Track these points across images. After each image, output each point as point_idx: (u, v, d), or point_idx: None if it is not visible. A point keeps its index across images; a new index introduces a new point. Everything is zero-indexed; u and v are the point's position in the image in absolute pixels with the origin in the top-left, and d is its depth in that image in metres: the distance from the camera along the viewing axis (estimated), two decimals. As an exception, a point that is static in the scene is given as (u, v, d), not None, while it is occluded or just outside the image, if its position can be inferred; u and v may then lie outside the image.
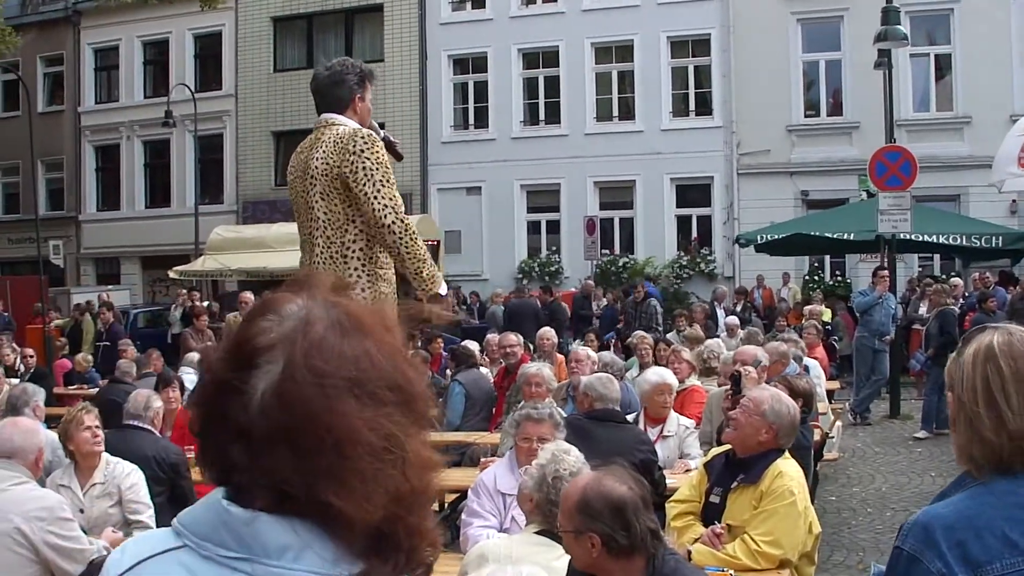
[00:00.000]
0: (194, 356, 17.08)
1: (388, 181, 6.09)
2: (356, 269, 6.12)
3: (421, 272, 6.11)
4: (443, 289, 6.27)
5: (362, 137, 6.10)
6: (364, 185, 6.02)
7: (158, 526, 7.98)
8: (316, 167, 6.16)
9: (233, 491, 1.64)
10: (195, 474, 9.74)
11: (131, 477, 7.88)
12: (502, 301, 28.22)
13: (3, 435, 6.78)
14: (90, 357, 21.96)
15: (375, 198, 6.01)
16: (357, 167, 6.03)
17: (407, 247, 6.05)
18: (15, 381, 17.90)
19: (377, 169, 6.06)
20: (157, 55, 43.06)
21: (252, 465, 1.59)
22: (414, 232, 6.12)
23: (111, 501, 7.73)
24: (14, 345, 20.70)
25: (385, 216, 6.01)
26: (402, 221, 6.05)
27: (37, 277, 29.47)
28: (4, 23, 32.15)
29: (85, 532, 6.61)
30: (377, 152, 6.10)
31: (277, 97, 38.41)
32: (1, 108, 45.00)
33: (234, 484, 1.64)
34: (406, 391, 1.65)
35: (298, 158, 6.42)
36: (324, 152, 6.15)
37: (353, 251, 6.14)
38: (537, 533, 5.28)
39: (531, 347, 16.15)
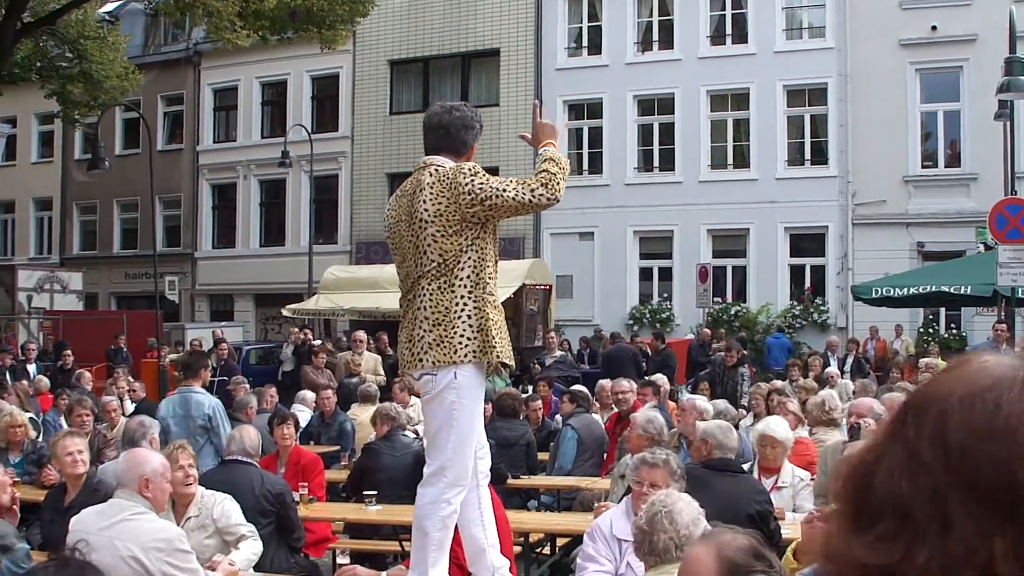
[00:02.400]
0: (308, 395, 17.18)
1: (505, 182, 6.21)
2: (462, 297, 6.15)
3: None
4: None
5: (468, 168, 6.20)
6: (491, 198, 6.09)
7: (266, 555, 8.09)
8: (427, 210, 6.18)
9: None
10: (301, 508, 9.82)
11: (222, 505, 8.00)
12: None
13: (121, 466, 6.86)
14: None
15: (505, 194, 6.11)
16: (475, 190, 6.09)
17: (557, 186, 6.20)
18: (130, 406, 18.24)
19: (488, 181, 6.14)
20: (275, 96, 43.72)
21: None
22: (552, 179, 6.20)
23: (206, 533, 7.85)
24: (129, 379, 20.98)
25: (524, 198, 6.12)
26: (539, 186, 6.15)
27: (153, 312, 29.82)
28: (127, 62, 32.73)
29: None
30: (483, 174, 6.19)
31: (392, 140, 38.73)
32: (122, 145, 45.84)
33: None
34: None
35: (400, 202, 6.47)
36: (433, 194, 6.19)
37: (460, 278, 6.16)
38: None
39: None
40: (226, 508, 7.99)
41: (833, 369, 21.91)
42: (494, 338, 6.13)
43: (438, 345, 6.09)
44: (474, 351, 6.09)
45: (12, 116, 42.22)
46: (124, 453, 7.71)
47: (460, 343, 6.06)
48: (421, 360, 6.15)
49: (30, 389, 17.93)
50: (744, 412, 16.98)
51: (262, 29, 28.57)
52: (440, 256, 6.15)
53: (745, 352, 25.22)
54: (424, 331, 6.16)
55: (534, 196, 6.10)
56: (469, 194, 6.07)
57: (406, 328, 6.35)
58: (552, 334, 26.15)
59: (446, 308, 6.12)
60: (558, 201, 6.24)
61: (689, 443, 10.15)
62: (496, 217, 6.22)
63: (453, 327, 6.08)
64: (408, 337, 6.31)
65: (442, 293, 6.15)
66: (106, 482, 8.39)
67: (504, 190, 6.08)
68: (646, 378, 16.25)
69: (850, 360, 26.26)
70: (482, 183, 6.09)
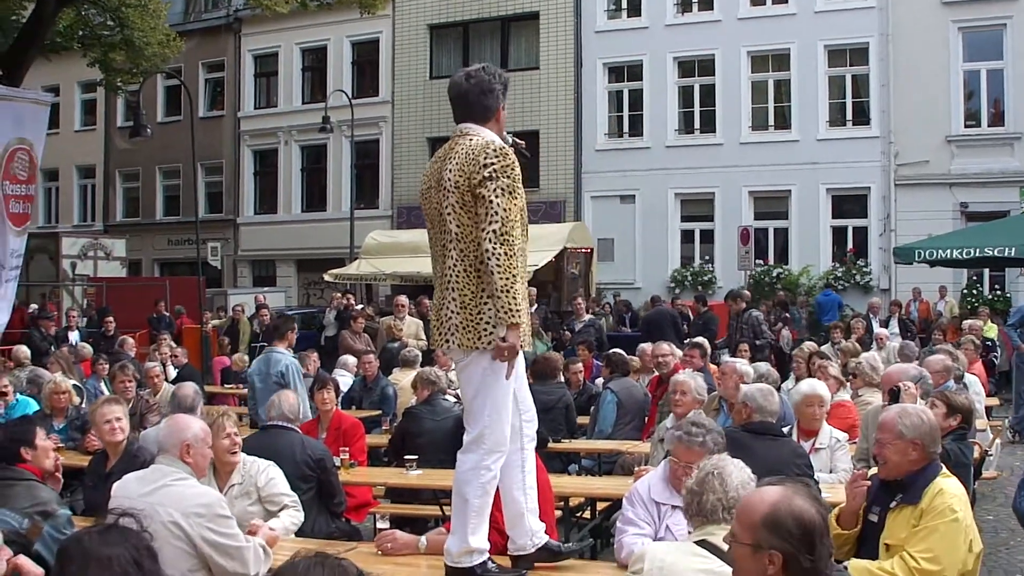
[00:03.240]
0: (349, 359, 17.25)
1: (513, 194, 6.01)
2: (489, 284, 6.07)
3: (506, 294, 5.93)
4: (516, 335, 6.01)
5: (493, 150, 6.04)
6: (485, 198, 5.93)
7: (307, 520, 8.12)
8: (449, 179, 6.10)
9: None
10: (342, 473, 9.86)
11: (267, 473, 7.99)
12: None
13: (163, 432, 6.90)
14: (247, 357, 22.26)
15: (493, 210, 5.91)
16: (485, 179, 5.96)
17: (500, 269, 5.91)
18: (172, 372, 18.37)
19: (499, 190, 5.98)
20: (315, 62, 43.82)
21: None
22: (514, 262, 5.95)
23: (250, 500, 7.84)
24: (172, 344, 21.08)
25: (487, 239, 5.91)
26: (503, 245, 5.91)
27: (196, 278, 29.91)
28: (168, 29, 32.75)
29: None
30: (507, 165, 6.03)
31: (433, 104, 38.60)
32: (164, 113, 46.01)
33: None
34: None
35: (432, 167, 6.37)
36: (458, 163, 6.08)
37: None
38: (697, 543, 5.20)
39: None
40: (272, 477, 7.97)
41: (883, 331, 21.80)
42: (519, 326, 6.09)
43: (463, 329, 6.05)
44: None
45: (55, 85, 42.44)
46: (165, 419, 7.72)
47: (486, 330, 6.01)
48: (448, 341, 6.13)
49: (72, 356, 18.02)
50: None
51: (301, -6, 28.54)
52: (457, 227, 6.07)
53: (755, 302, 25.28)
54: (452, 312, 6.11)
55: (493, 243, 5.90)
56: (479, 174, 5.95)
57: (435, 301, 6.31)
58: (579, 299, 26.04)
59: (473, 292, 6.05)
60: (492, 274, 5.91)
61: (730, 406, 10.14)
62: (478, 212, 6.05)
63: (479, 312, 6.03)
64: (437, 315, 6.26)
65: (468, 277, 6.08)
66: (146, 448, 8.44)
67: (496, 214, 5.91)
68: (694, 340, 16.18)
69: (893, 322, 26.14)
70: (495, 179, 5.98)
